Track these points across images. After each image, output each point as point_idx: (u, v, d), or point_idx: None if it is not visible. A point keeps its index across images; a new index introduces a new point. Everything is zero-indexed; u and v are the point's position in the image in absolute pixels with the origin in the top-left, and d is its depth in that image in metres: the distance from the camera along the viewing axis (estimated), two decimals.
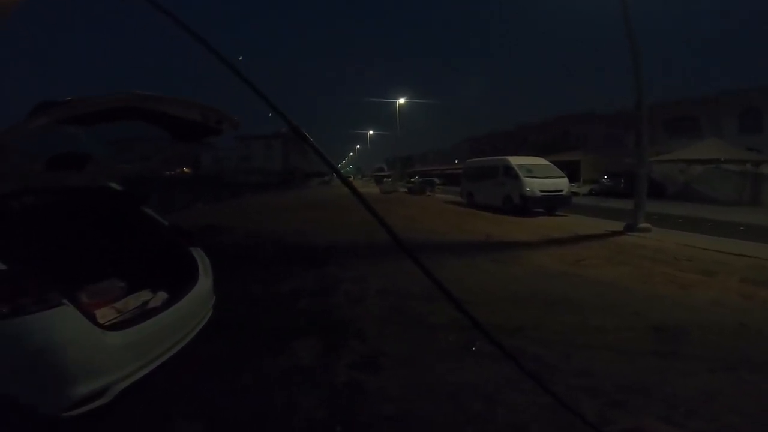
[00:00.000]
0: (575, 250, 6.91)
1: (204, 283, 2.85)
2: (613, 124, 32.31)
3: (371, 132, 68.08)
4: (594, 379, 2.54)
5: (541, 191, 12.66)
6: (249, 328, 3.44)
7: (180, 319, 2.53)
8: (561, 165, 15.67)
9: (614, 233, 8.68)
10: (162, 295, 2.69)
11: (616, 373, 2.62)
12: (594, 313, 3.78)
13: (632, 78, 9.10)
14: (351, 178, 68.09)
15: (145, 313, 2.43)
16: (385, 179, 39.72)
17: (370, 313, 3.84)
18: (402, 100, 39.27)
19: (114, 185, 3.14)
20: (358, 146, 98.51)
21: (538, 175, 13.18)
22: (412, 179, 37.70)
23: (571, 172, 19.90)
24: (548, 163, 14.52)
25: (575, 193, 17.80)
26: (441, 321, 3.51)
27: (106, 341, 2.02)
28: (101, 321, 2.20)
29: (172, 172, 23.98)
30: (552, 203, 13.08)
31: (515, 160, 14.01)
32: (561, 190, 13.13)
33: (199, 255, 3.07)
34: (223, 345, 3.03)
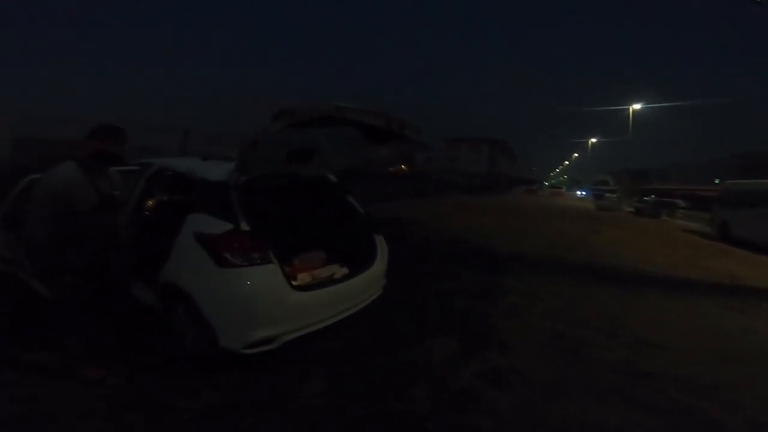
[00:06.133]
0: None
1: (379, 266, 3.32)
2: None
3: (593, 140, 59.71)
4: None
5: None
6: (400, 317, 3.69)
7: (352, 293, 3.03)
8: None
9: None
10: (344, 270, 3.22)
11: None
12: None
13: None
14: (563, 189, 61.94)
15: (328, 282, 2.95)
16: (607, 194, 33.84)
17: (525, 331, 3.60)
18: (637, 106, 32.08)
19: (330, 176, 3.90)
20: (576, 155, 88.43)
21: None
22: (645, 198, 30.92)
23: None
24: None
25: None
26: (610, 358, 3.06)
27: (292, 298, 2.54)
28: (298, 282, 2.79)
29: (392, 169, 27.30)
30: None
31: None
32: None
33: (380, 242, 3.54)
34: (369, 328, 3.37)
